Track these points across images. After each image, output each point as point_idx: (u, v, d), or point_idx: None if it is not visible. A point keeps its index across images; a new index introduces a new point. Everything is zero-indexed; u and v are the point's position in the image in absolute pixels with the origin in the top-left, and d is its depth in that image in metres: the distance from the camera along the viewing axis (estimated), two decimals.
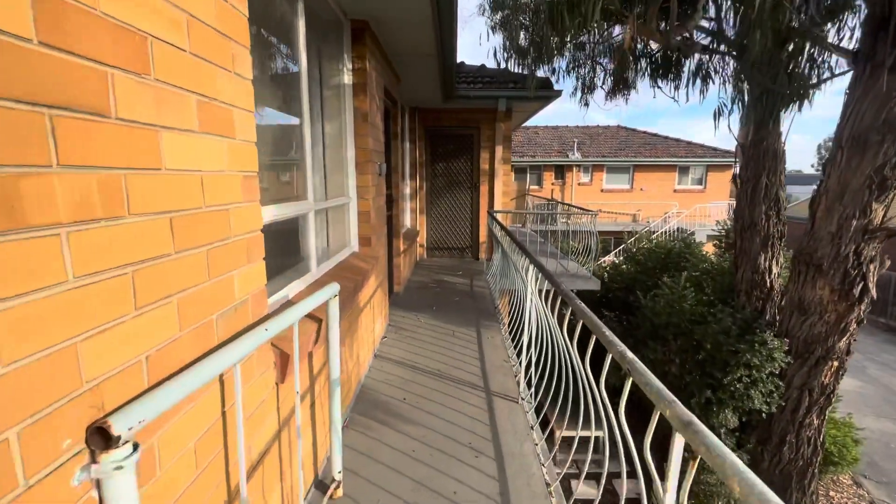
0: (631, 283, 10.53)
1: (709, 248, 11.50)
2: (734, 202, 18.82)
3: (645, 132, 21.48)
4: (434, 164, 7.61)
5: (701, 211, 17.97)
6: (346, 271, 2.85)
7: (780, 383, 6.69)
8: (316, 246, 2.55)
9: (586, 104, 11.38)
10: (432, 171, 7.64)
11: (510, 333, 4.03)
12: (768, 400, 6.72)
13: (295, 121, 2.38)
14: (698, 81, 6.85)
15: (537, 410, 2.76)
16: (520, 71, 7.26)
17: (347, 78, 3.25)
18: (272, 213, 1.91)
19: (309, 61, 2.91)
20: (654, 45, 7.06)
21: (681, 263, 9.85)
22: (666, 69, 6.83)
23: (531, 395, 2.88)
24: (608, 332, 1.52)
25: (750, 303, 7.57)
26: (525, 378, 2.99)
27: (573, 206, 7.81)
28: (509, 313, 4.79)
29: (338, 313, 1.90)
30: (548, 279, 2.36)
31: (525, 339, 2.99)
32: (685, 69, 6.81)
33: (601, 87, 10.88)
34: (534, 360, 2.88)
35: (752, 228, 7.55)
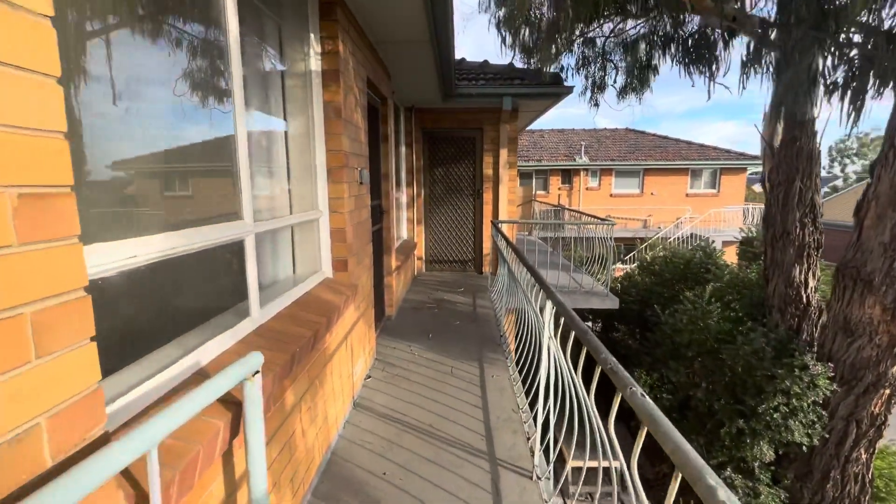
0: (647, 296, 9.80)
1: (728, 257, 10.74)
2: (751, 207, 17.93)
3: (654, 135, 20.76)
4: (433, 169, 6.97)
5: (715, 216, 17.19)
6: (307, 309, 2.19)
7: (823, 413, 5.93)
8: (260, 280, 1.89)
9: (596, 104, 10.73)
10: (431, 177, 6.99)
11: (518, 365, 3.34)
12: (809, 431, 5.94)
13: (224, 112, 1.73)
14: (736, 66, 6.09)
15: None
16: (527, 67, 6.62)
17: (315, 63, 2.61)
18: (163, 245, 1.26)
19: (264, 38, 2.27)
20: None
21: (702, 275, 9.12)
22: (699, 55, 6.04)
23: (549, 470, 2.20)
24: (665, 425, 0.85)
25: (784, 320, 6.82)
26: (541, 445, 2.30)
27: (585, 215, 7.12)
28: (516, 336, 4.13)
29: (260, 398, 1.24)
30: (576, 330, 1.69)
31: (541, 397, 2.31)
32: (722, 54, 6.00)
33: (612, 85, 10.22)
34: (552, 421, 2.21)
35: (785, 237, 6.81)
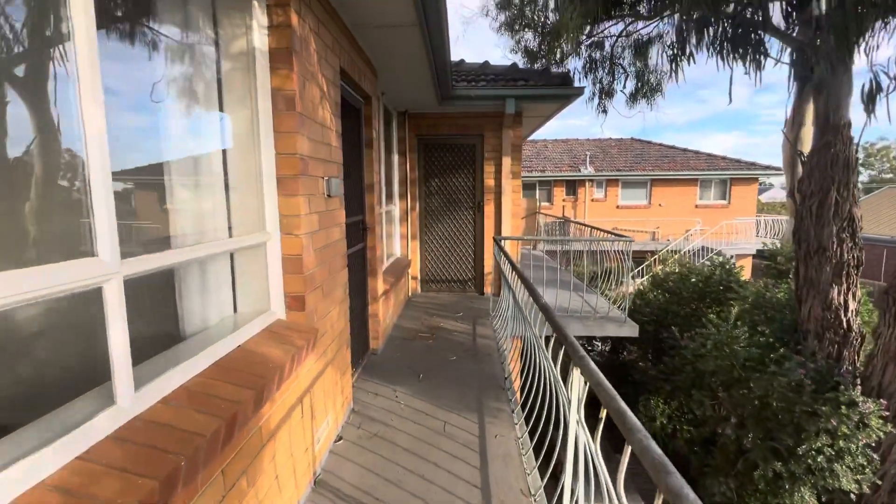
0: (662, 316, 9.07)
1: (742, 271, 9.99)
2: (765, 218, 17.19)
3: (661, 145, 20.19)
4: (429, 179, 6.34)
5: (727, 228, 16.49)
6: (230, 376, 1.53)
7: (875, 456, 5.17)
8: (127, 346, 1.23)
9: (604, 111, 10.15)
10: (427, 188, 6.36)
11: (527, 423, 2.65)
12: (859, 477, 5.17)
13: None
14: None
15: None
16: (531, 68, 6.03)
17: (259, 38, 1.98)
18: None
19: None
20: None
21: (723, 294, 8.41)
22: (743, 39, 5.31)
23: None
24: None
25: (822, 347, 6.10)
26: None
27: (598, 230, 6.46)
28: (523, 372, 3.45)
29: None
30: (628, 437, 1.01)
31: (567, 495, 1.62)
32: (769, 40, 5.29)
33: (621, 90, 9.63)
34: None
35: (821, 254, 6.11)
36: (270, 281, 2.09)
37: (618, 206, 18.50)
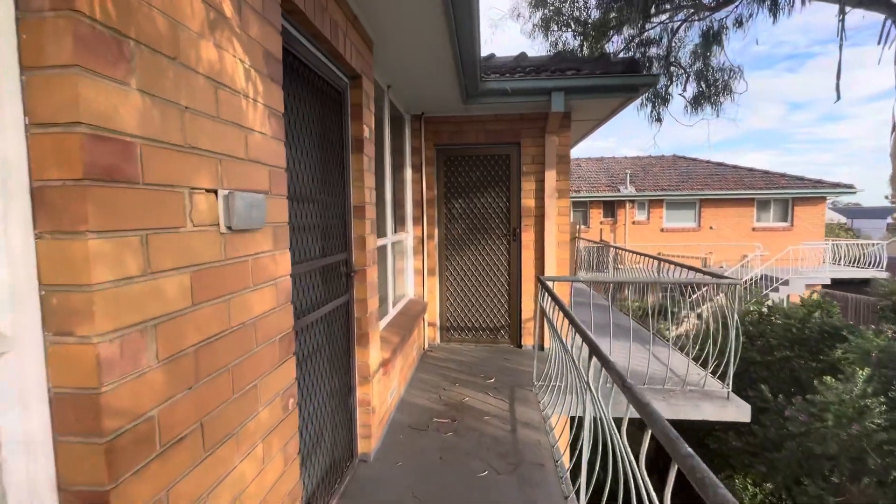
0: (740, 366, 7.33)
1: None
2: (842, 243, 14.96)
3: (709, 162, 18.39)
4: (451, 200, 5.02)
5: (794, 254, 14.43)
6: None
7: None
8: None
9: (658, 119, 8.68)
10: (448, 211, 5.04)
11: None
12: None
13: None
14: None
15: None
16: (581, 56, 4.71)
17: None
18: None
19: None
20: None
21: (826, 342, 6.63)
22: None
23: None
24: None
25: None
26: None
27: (681, 266, 4.92)
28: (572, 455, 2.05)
29: None
30: None
31: None
32: None
33: (681, 94, 8.16)
34: None
35: None
36: None
37: (662, 230, 16.71)
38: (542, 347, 4.77)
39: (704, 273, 4.42)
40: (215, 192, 1.18)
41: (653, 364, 3.91)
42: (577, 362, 2.67)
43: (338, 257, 2.43)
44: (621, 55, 7.26)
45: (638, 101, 8.21)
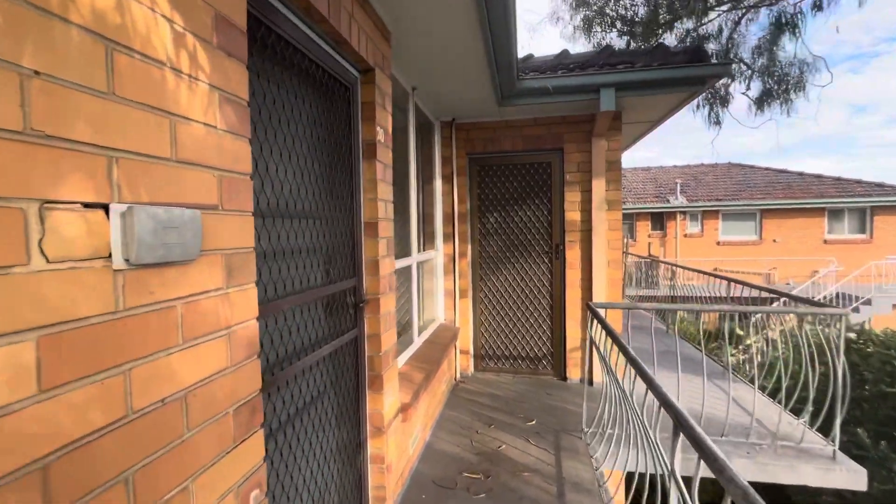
0: (821, 403, 6.29)
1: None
2: None
3: (769, 169, 16.94)
4: (485, 214, 4.55)
5: (874, 269, 12.83)
6: None
7: None
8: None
9: (717, 122, 7.86)
10: (482, 226, 4.56)
11: None
12: None
13: None
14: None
15: None
16: (631, 49, 4.14)
17: None
18: None
19: None
20: None
21: None
22: None
23: None
24: None
25: None
26: None
27: (773, 293, 4.16)
28: None
29: None
30: None
31: None
32: None
33: (744, 92, 7.33)
34: None
35: None
36: None
37: (718, 243, 15.42)
38: (591, 382, 4.16)
39: (795, 298, 3.67)
40: (105, 207, 0.77)
41: (732, 408, 3.21)
42: (636, 406, 2.11)
43: (344, 285, 2.00)
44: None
45: (693, 102, 7.47)
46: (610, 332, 2.70)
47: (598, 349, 3.16)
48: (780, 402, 3.35)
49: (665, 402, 1.56)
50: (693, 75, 3.43)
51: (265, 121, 1.45)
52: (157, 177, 0.88)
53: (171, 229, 0.86)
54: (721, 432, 3.11)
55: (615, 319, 4.11)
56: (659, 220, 15.86)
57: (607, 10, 7.87)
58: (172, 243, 0.87)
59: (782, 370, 3.37)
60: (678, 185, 15.78)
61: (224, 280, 1.07)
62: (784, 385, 3.26)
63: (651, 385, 1.76)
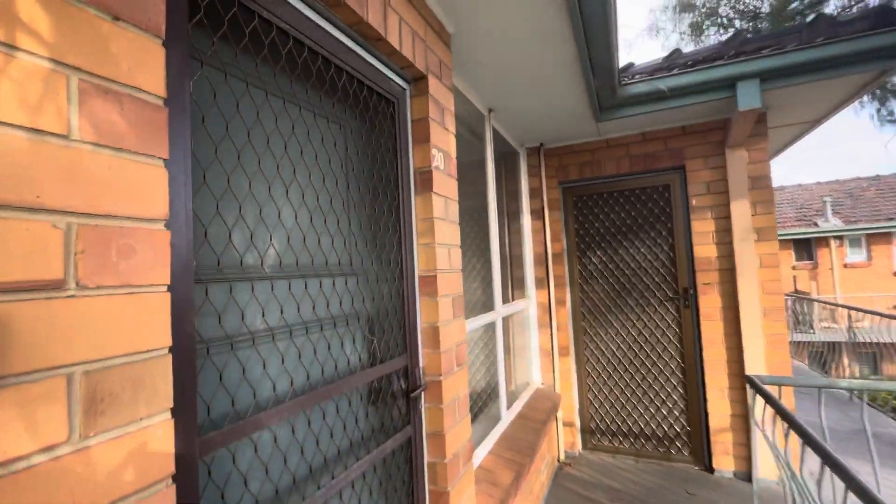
0: None
1: None
2: None
3: None
4: (585, 253, 3.75)
5: None
6: None
7: None
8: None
9: (890, 117, 6.13)
10: (582, 267, 3.76)
11: None
12: None
13: None
14: None
15: None
16: (775, 33, 3.19)
17: None
18: None
19: None
20: None
21: None
22: None
23: None
24: None
25: None
26: None
27: None
28: None
29: None
30: None
31: None
32: None
33: None
34: None
35: None
36: None
37: (895, 273, 12.19)
38: (747, 476, 2.98)
39: None
40: None
41: None
42: None
43: (388, 367, 1.43)
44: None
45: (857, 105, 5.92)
46: (784, 415, 1.73)
47: (766, 438, 2.16)
48: None
49: None
50: (883, 45, 2.41)
51: (258, 146, 0.99)
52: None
53: None
54: None
55: (785, 397, 2.94)
56: (805, 247, 13.12)
57: (719, 11, 6.81)
58: None
59: None
60: (828, 205, 13.02)
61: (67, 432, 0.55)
62: None
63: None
